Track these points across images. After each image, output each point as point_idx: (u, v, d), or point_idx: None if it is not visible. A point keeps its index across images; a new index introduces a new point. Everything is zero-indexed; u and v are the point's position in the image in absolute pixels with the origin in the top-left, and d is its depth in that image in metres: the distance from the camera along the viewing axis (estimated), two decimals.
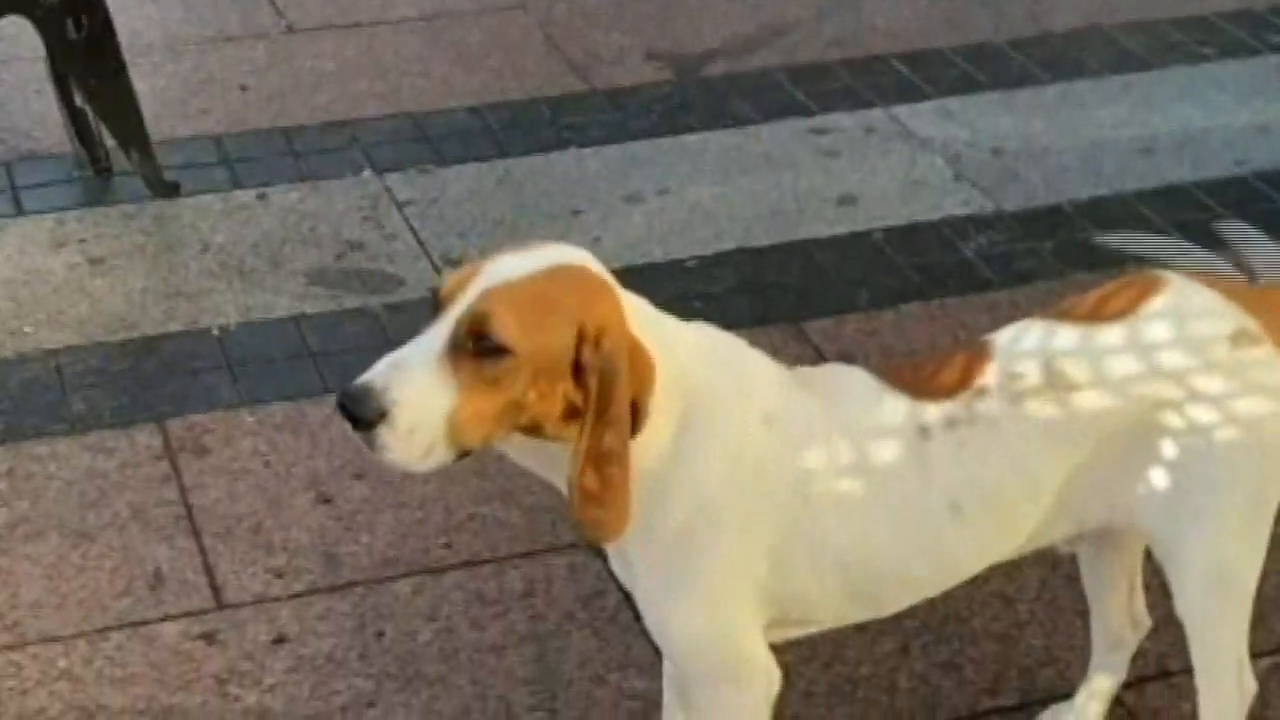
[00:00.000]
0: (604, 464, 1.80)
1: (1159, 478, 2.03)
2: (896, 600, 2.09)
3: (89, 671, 2.55)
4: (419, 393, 1.76)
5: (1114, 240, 3.62)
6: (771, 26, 4.52)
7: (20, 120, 4.01)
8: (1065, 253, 3.59)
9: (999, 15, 4.58)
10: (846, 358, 3.14)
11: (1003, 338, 2.06)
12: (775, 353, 2.02)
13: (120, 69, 3.66)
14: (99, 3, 3.60)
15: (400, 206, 3.73)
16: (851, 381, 2.03)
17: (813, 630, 2.10)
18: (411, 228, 3.65)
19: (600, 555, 2.58)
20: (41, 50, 3.71)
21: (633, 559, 1.96)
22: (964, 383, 2.01)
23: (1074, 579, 2.40)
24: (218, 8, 4.55)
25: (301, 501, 2.88)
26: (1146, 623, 2.36)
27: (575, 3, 4.62)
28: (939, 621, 2.61)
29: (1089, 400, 1.99)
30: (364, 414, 1.75)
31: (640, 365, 1.83)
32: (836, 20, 4.55)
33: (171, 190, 3.73)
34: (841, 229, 3.67)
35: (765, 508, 1.93)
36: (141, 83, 3.84)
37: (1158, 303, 2.03)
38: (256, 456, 2.98)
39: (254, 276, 3.48)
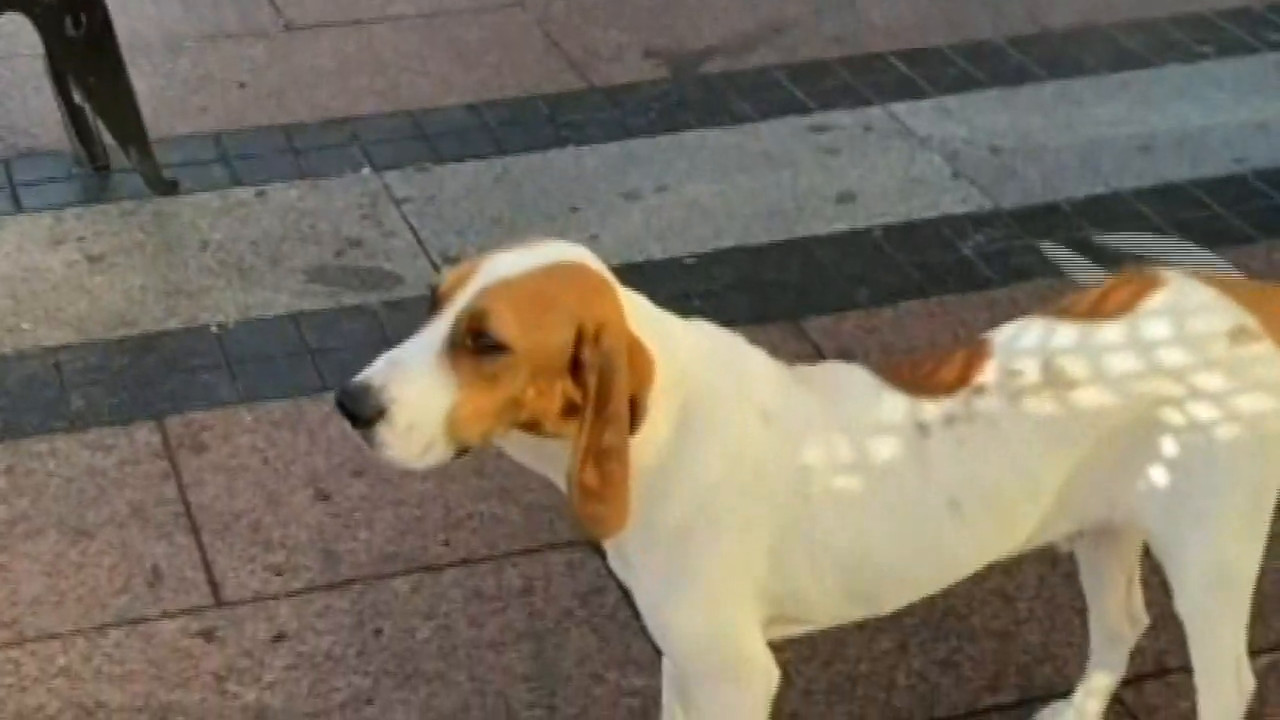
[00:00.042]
0: (603, 460, 1.80)
1: (1159, 476, 2.03)
2: (895, 598, 2.09)
3: (88, 668, 2.55)
4: (418, 390, 1.76)
5: (1112, 238, 3.62)
6: (770, 24, 4.52)
7: (19, 118, 4.01)
8: (1063, 250, 3.60)
9: (998, 13, 4.58)
10: (845, 355, 3.14)
11: (1002, 335, 2.06)
12: (774, 350, 2.02)
13: (119, 66, 3.66)
14: (98, 0, 3.60)
15: (399, 204, 3.73)
16: (851, 379, 2.03)
17: (811, 628, 2.10)
18: (410, 225, 3.65)
19: (599, 552, 2.58)
20: (40, 47, 3.71)
21: (631, 557, 1.96)
22: (963, 380, 2.01)
23: (1072, 576, 2.40)
24: (216, 5, 4.55)
25: (300, 499, 2.88)
26: (1144, 620, 2.36)
27: (574, 0, 4.62)
28: (938, 619, 2.62)
29: (1088, 398, 2.00)
30: (363, 412, 1.75)
31: (639, 362, 1.83)
32: (835, 18, 4.55)
33: (170, 188, 3.73)
34: (840, 226, 3.67)
35: (764, 506, 1.93)
36: (140, 80, 3.83)
37: (1156, 300, 2.03)
38: (255, 454, 2.98)
39: (253, 274, 3.48)
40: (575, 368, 1.80)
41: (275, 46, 4.38)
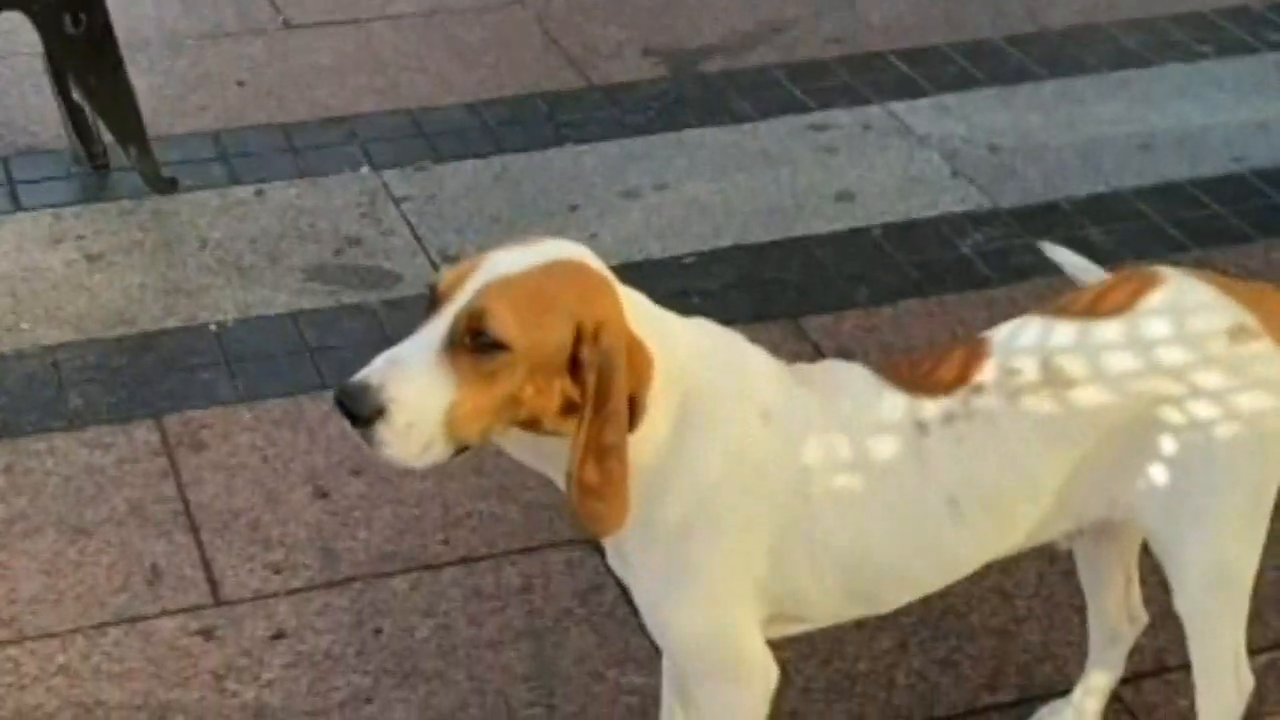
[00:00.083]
0: (602, 458, 1.80)
1: (1158, 474, 2.03)
2: (895, 597, 2.09)
3: (86, 667, 2.55)
4: (416, 389, 1.76)
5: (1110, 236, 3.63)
6: (770, 23, 4.52)
7: (18, 116, 4.01)
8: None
9: (997, 12, 4.58)
10: (845, 354, 3.14)
11: (1000, 334, 2.06)
12: (773, 349, 2.02)
13: (118, 65, 3.65)
14: None
15: (398, 202, 3.73)
16: (850, 378, 2.03)
17: (810, 627, 2.10)
18: (409, 224, 3.65)
19: (598, 550, 2.58)
20: (39, 45, 3.71)
21: (630, 555, 1.96)
22: (962, 379, 2.01)
23: (1071, 575, 2.40)
24: (215, 4, 4.54)
25: (299, 497, 2.88)
26: (1143, 617, 2.36)
27: None
28: (937, 617, 2.62)
29: (1087, 396, 2.00)
30: (361, 411, 1.75)
31: (638, 361, 1.83)
32: (834, 17, 4.54)
33: (169, 186, 3.73)
34: (839, 225, 3.67)
35: (765, 505, 1.93)
36: (139, 79, 3.83)
37: (1155, 298, 2.03)
38: (254, 452, 2.98)
39: (252, 272, 3.48)
40: (574, 366, 1.80)
41: (274, 45, 4.37)
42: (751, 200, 3.75)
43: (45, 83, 3.80)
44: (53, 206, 3.68)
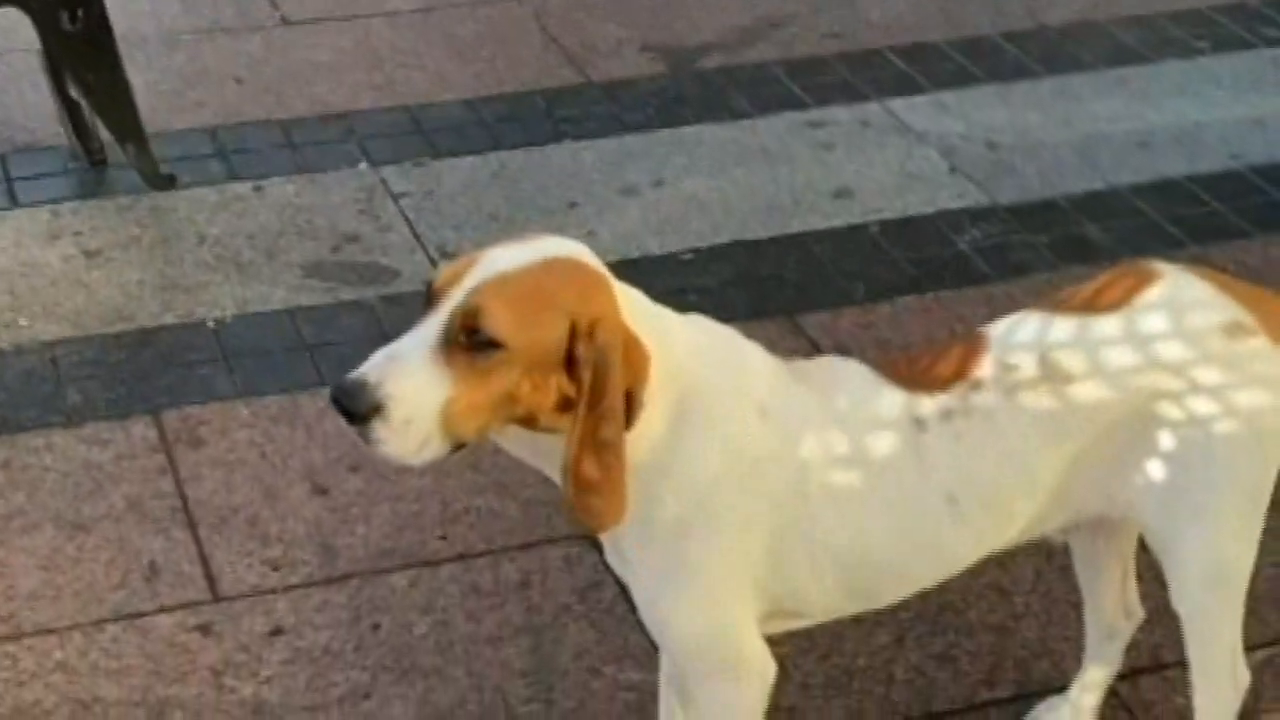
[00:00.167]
0: (599, 453, 1.80)
1: (1156, 470, 2.03)
2: (894, 593, 2.10)
3: (84, 663, 2.55)
4: (413, 387, 1.76)
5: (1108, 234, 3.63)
6: (768, 20, 4.52)
7: (15, 112, 4.00)
8: (1060, 246, 3.60)
9: (995, 9, 4.58)
10: (842, 351, 3.14)
11: (998, 329, 2.06)
12: (771, 346, 2.02)
13: (115, 61, 3.65)
14: None
15: (396, 199, 3.72)
16: (847, 374, 2.03)
17: (808, 623, 2.10)
18: (407, 220, 3.65)
19: (596, 547, 2.59)
20: (37, 42, 3.71)
21: (628, 552, 1.96)
22: (960, 375, 2.01)
23: (1068, 571, 2.40)
24: (213, 0, 4.54)
25: (297, 493, 2.88)
26: (1139, 613, 2.36)
27: None
28: (935, 613, 2.62)
29: (1084, 392, 2.00)
30: (358, 408, 1.75)
31: (634, 357, 1.83)
32: (833, 14, 4.54)
33: (167, 183, 3.73)
34: (837, 222, 3.67)
35: (764, 504, 1.93)
36: (137, 75, 3.83)
37: (1152, 294, 2.03)
38: (252, 448, 2.98)
39: (250, 269, 3.48)
40: (570, 363, 1.80)
41: (272, 41, 4.37)
42: (749, 197, 3.75)
43: (43, 79, 3.80)
44: (51, 203, 3.67)
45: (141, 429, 3.02)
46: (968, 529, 2.02)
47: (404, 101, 4.09)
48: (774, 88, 4.18)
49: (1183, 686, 2.25)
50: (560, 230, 2.31)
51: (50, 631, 2.60)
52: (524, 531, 2.80)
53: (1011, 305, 2.15)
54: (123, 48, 3.68)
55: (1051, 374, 2.00)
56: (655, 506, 1.90)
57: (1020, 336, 2.04)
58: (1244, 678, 2.18)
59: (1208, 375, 2.00)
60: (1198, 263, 2.31)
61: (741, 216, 3.69)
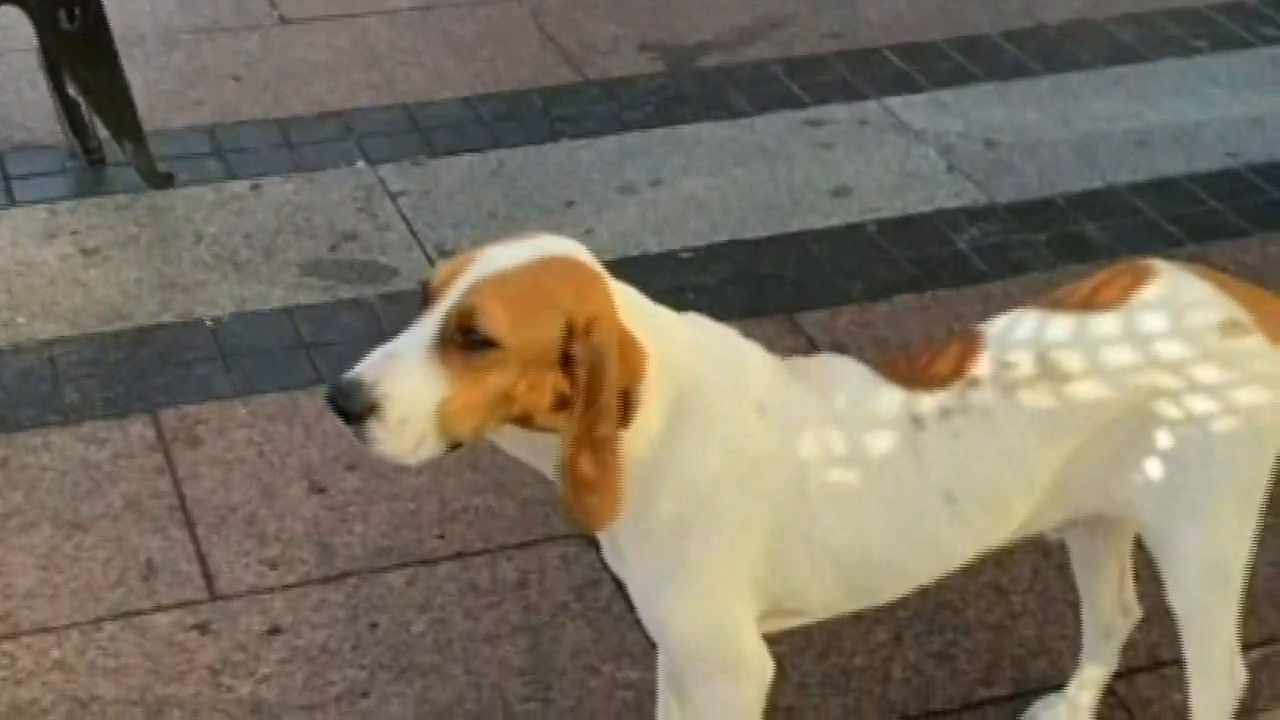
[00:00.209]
0: (594, 451, 1.80)
1: (1153, 468, 2.03)
2: (892, 590, 2.10)
3: (82, 662, 2.55)
4: (409, 386, 1.76)
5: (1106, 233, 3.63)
6: (768, 19, 4.52)
7: (13, 111, 4.00)
8: (1058, 245, 3.60)
9: (993, 8, 4.58)
10: (840, 349, 3.14)
11: (995, 328, 2.06)
12: (769, 344, 2.02)
13: (113, 60, 3.65)
14: None
15: (394, 197, 3.72)
16: (845, 372, 2.03)
17: (806, 620, 2.10)
18: (405, 219, 3.65)
19: (594, 546, 2.58)
20: (35, 41, 3.71)
21: (626, 550, 1.96)
22: (958, 373, 2.01)
23: (1066, 570, 2.40)
24: None
25: (295, 492, 2.88)
26: (1137, 611, 2.36)
27: None
28: (932, 612, 2.62)
29: (1081, 390, 2.00)
30: (353, 408, 1.75)
31: (631, 356, 1.83)
32: (832, 13, 4.55)
33: (165, 181, 3.73)
34: (836, 221, 3.67)
35: (764, 503, 1.93)
36: (135, 73, 3.83)
37: (1150, 292, 2.03)
38: (250, 447, 2.98)
39: (248, 267, 3.48)
40: (566, 362, 1.80)
41: (270, 40, 4.37)
42: (748, 195, 3.75)
43: (40, 78, 3.80)
44: (48, 201, 3.67)
45: (139, 428, 3.02)
46: (966, 527, 2.02)
47: (402, 100, 4.09)
48: (773, 86, 4.18)
49: (1180, 685, 2.25)
50: (558, 229, 2.31)
51: (48, 630, 2.60)
52: (522, 530, 2.80)
53: (1010, 304, 2.15)
54: (121, 46, 3.68)
55: (1049, 372, 2.00)
56: (654, 505, 1.90)
57: (1018, 335, 2.04)
58: (1241, 676, 2.18)
59: (1205, 373, 2.00)
60: (1196, 261, 2.31)
61: (740, 215, 3.69)
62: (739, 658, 1.99)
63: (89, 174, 3.76)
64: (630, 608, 2.29)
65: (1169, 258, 2.14)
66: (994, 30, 4.46)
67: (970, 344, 2.04)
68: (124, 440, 2.99)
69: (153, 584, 2.69)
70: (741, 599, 1.96)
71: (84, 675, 2.52)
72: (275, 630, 2.61)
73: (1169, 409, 2.01)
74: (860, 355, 2.13)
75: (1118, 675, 2.43)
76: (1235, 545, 2.08)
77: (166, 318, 3.32)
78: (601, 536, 1.99)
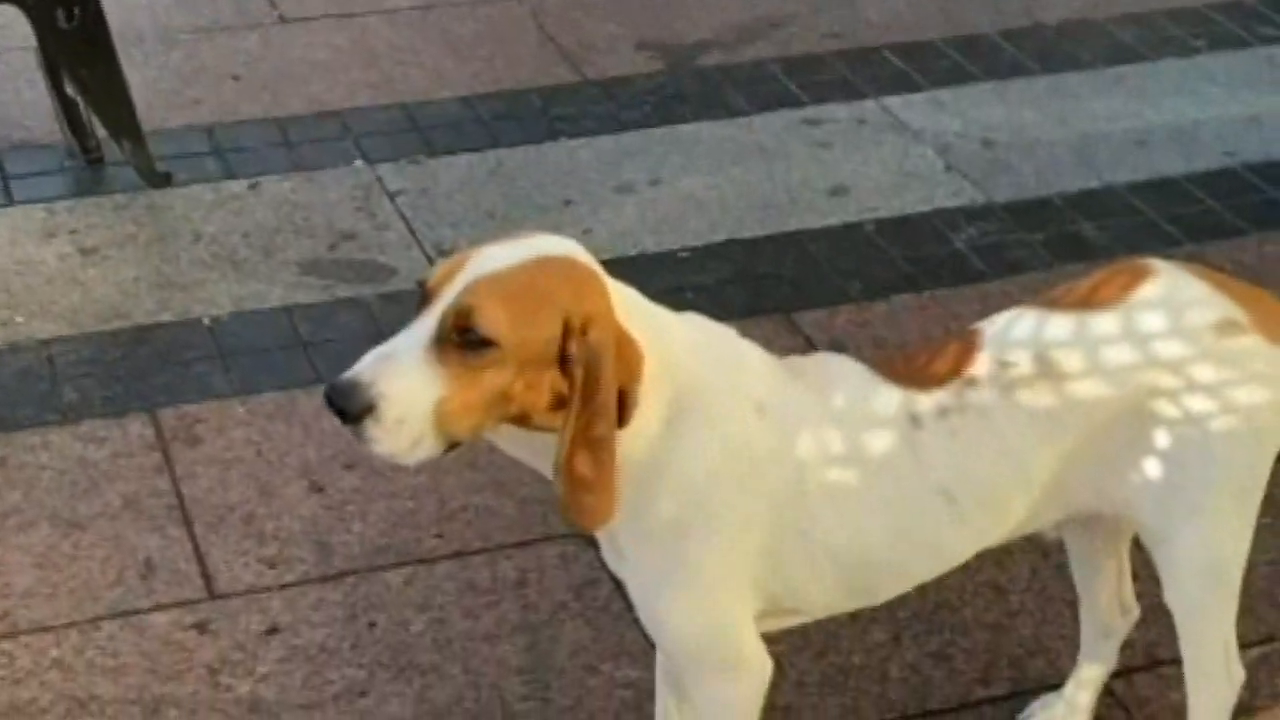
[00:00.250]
0: (591, 450, 1.80)
1: (1151, 468, 2.03)
2: (891, 589, 2.10)
3: (80, 661, 2.55)
4: (406, 386, 1.76)
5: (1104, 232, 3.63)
6: (767, 18, 4.52)
7: (11, 110, 4.00)
8: (1056, 244, 3.60)
9: (992, 7, 4.58)
10: (838, 349, 3.13)
11: (993, 327, 2.06)
12: (767, 344, 2.02)
13: (112, 59, 3.65)
14: None
15: (392, 197, 3.72)
16: (843, 371, 2.03)
17: (805, 619, 2.10)
18: (403, 218, 3.65)
19: (593, 545, 2.58)
20: (33, 39, 3.70)
21: (625, 550, 1.96)
22: (955, 372, 2.01)
23: (1064, 569, 2.40)
24: None
25: (293, 491, 2.88)
26: (1135, 610, 2.36)
27: None
28: (930, 611, 2.62)
29: (1079, 388, 2.00)
30: (351, 408, 1.75)
31: (628, 355, 1.83)
32: (831, 12, 4.55)
33: (163, 180, 3.73)
34: (833, 220, 3.68)
35: (763, 503, 1.93)
36: (133, 72, 3.83)
37: (1147, 291, 2.03)
38: (249, 446, 2.98)
39: (246, 266, 3.48)
40: (564, 361, 1.80)
41: (269, 39, 4.37)
42: (746, 195, 3.75)
43: (39, 77, 3.80)
44: (46, 201, 3.67)
45: (138, 427, 3.02)
46: (964, 525, 2.03)
47: (400, 99, 4.09)
48: (771, 86, 4.18)
49: (1178, 684, 2.25)
50: (557, 228, 2.31)
51: (46, 629, 2.60)
52: (520, 529, 2.80)
53: (1007, 303, 2.15)
54: (119, 45, 3.68)
55: (1047, 371, 2.00)
56: (652, 505, 1.90)
57: (1016, 333, 2.04)
58: (1238, 675, 2.18)
59: (1202, 373, 2.00)
60: (1193, 261, 2.31)
61: (738, 214, 3.69)
62: (738, 657, 1.99)
63: (87, 173, 3.76)
64: (629, 607, 2.29)
65: (1167, 257, 2.14)
66: (993, 30, 4.46)
67: (968, 343, 2.04)
68: (122, 439, 2.99)
69: (151, 583, 2.69)
70: (740, 598, 1.96)
71: (82, 674, 2.52)
72: (274, 629, 2.61)
73: (1167, 408, 2.01)
74: (858, 354, 2.13)
75: (1116, 674, 2.43)
76: (1233, 544, 2.08)
77: (165, 317, 3.32)
78: (600, 536, 1.99)
